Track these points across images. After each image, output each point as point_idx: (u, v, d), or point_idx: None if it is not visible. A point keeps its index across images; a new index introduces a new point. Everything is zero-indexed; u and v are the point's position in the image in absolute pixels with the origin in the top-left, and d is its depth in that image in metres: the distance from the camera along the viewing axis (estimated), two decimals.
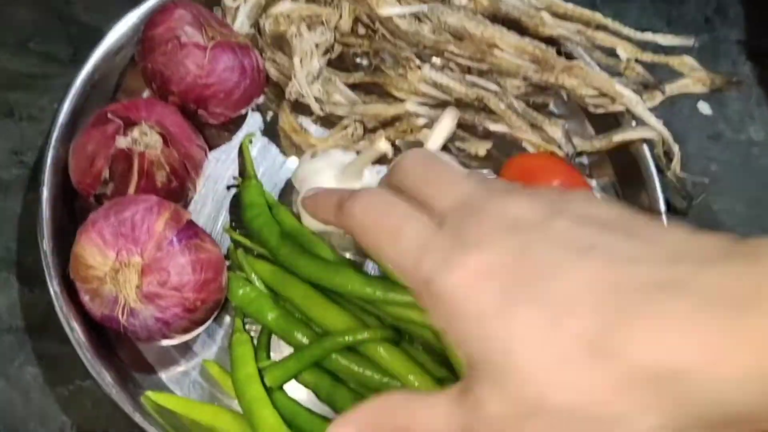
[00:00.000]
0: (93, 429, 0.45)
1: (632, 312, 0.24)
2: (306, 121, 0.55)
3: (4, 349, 0.46)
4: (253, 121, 0.56)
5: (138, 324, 0.42)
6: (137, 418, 0.41)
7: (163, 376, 0.47)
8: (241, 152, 0.53)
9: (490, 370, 0.26)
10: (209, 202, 0.52)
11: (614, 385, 0.23)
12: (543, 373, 0.24)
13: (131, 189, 0.46)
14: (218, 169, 0.53)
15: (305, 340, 0.44)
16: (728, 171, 0.61)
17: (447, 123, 0.49)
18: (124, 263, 0.41)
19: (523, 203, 0.28)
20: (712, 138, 0.62)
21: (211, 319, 0.45)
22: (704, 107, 0.64)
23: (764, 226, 0.58)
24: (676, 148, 0.53)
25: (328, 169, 0.49)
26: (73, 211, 0.50)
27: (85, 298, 0.43)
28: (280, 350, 0.47)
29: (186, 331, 0.44)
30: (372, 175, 0.50)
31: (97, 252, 0.41)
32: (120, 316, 0.41)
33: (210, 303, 0.44)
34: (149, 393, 0.44)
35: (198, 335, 0.46)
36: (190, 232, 0.43)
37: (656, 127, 0.53)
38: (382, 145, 0.46)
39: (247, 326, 0.47)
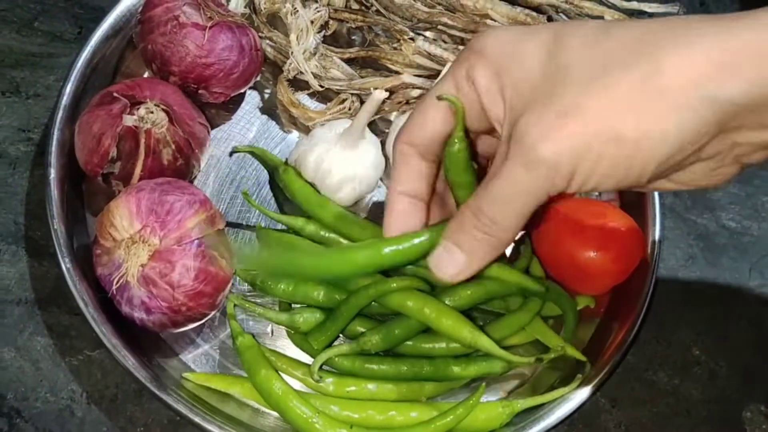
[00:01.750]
0: (102, 397, 0.46)
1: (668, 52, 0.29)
2: (302, 97, 0.56)
3: (14, 320, 0.48)
4: (251, 100, 0.57)
5: (125, 297, 0.43)
6: (151, 385, 0.43)
7: (174, 346, 0.48)
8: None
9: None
10: (211, 179, 0.54)
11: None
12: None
13: (138, 167, 0.47)
14: (219, 148, 0.55)
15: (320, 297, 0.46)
16: None
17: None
18: (143, 239, 0.42)
19: None
20: None
21: (191, 326, 0.45)
22: None
23: (756, 205, 0.60)
24: None
25: (329, 136, 0.50)
26: (81, 190, 0.51)
27: (96, 251, 0.44)
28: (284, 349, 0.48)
29: (162, 327, 0.44)
30: (372, 136, 0.51)
31: (126, 216, 0.42)
32: (115, 282, 0.42)
33: (195, 313, 0.44)
34: (188, 375, 0.45)
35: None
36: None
37: None
38: (378, 93, 0.47)
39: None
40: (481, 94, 0.34)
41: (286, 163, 0.51)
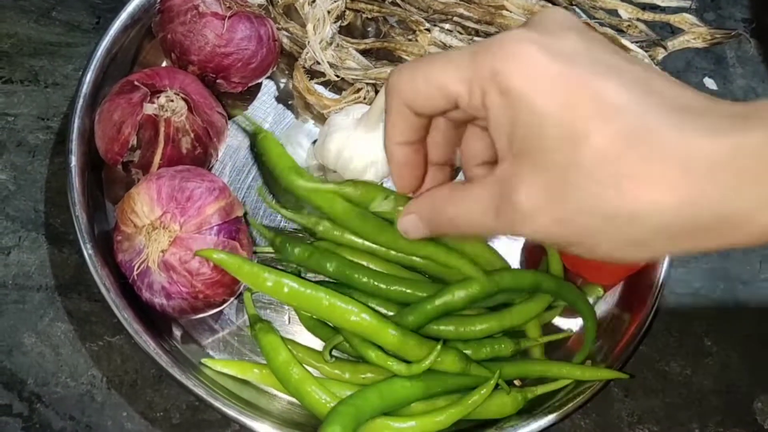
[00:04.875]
0: (122, 382, 0.47)
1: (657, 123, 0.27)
2: (317, 87, 0.56)
3: (35, 306, 0.48)
4: (267, 90, 0.57)
5: (146, 283, 0.43)
6: (172, 370, 0.43)
7: (192, 333, 0.49)
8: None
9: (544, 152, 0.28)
10: (228, 168, 0.54)
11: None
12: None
13: (157, 156, 0.47)
14: (236, 137, 0.55)
15: (366, 280, 0.46)
16: None
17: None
18: (164, 225, 0.42)
19: None
20: None
21: (210, 312, 0.46)
22: (710, 83, 0.65)
23: None
24: None
25: (347, 121, 0.51)
26: (100, 178, 0.51)
27: (117, 237, 0.44)
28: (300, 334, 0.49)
29: (182, 312, 0.44)
30: None
31: (147, 202, 0.43)
32: (136, 267, 0.43)
33: (213, 301, 0.44)
34: (206, 361, 0.46)
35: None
36: (233, 228, 0.44)
37: None
38: None
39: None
40: (490, 117, 0.31)
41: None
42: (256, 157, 0.54)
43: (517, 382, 0.49)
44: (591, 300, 0.51)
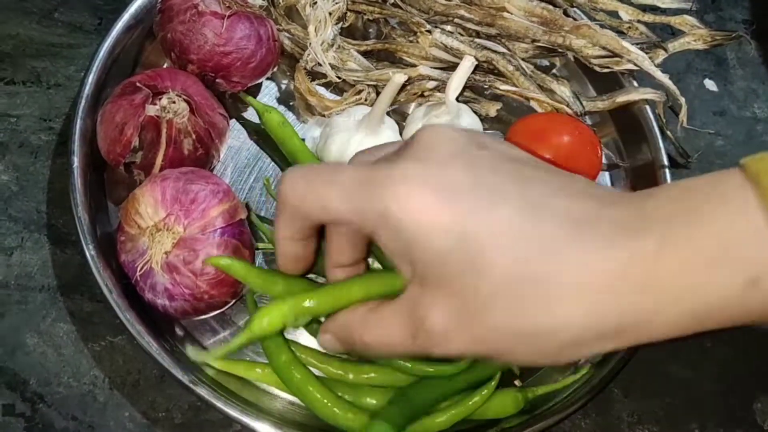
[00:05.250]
0: (124, 383, 0.47)
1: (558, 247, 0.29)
2: (318, 88, 0.56)
3: (37, 307, 0.49)
4: (268, 91, 0.58)
5: (149, 284, 0.43)
6: (174, 370, 0.43)
7: (194, 333, 0.49)
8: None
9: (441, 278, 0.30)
10: (229, 170, 0.54)
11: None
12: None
13: (159, 157, 0.47)
14: (237, 139, 0.55)
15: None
16: (733, 146, 0.63)
17: (465, 66, 0.51)
18: (168, 227, 0.42)
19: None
20: (718, 114, 0.64)
21: (212, 313, 0.46)
22: (710, 84, 0.65)
23: None
24: (682, 100, 0.55)
25: (349, 123, 0.51)
26: (102, 180, 0.51)
27: (120, 238, 0.44)
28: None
29: (184, 314, 0.45)
30: (390, 120, 0.52)
31: (152, 204, 0.43)
32: (139, 268, 0.43)
33: (216, 301, 0.45)
34: (212, 362, 0.45)
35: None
36: (236, 230, 0.44)
37: (664, 82, 0.55)
38: (398, 77, 0.48)
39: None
40: (385, 248, 0.32)
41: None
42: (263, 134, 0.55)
43: (517, 383, 0.49)
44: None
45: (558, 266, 0.28)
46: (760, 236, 0.26)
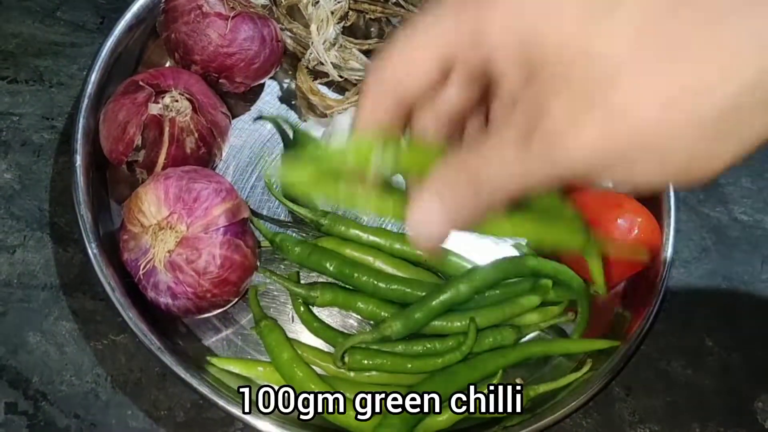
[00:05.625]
0: (126, 381, 0.47)
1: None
2: (320, 88, 0.56)
3: (40, 305, 0.49)
4: (270, 90, 0.58)
5: (151, 282, 0.44)
6: (177, 368, 0.44)
7: (196, 332, 0.49)
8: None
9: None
10: (231, 169, 0.54)
11: None
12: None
13: (162, 156, 0.47)
14: (239, 138, 0.55)
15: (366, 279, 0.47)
16: None
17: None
18: (171, 225, 0.43)
19: None
20: None
21: (215, 312, 0.46)
22: None
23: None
24: None
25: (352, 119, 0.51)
26: (105, 178, 0.51)
27: (123, 236, 0.44)
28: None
29: (186, 312, 0.45)
30: None
31: (155, 202, 0.43)
32: (141, 267, 0.43)
33: (219, 300, 0.45)
34: (211, 359, 0.46)
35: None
36: (238, 230, 0.45)
37: None
38: None
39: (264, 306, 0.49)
40: (493, 58, 0.26)
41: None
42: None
43: (519, 380, 0.49)
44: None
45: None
46: None
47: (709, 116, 0.22)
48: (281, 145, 0.55)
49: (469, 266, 0.49)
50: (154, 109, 0.47)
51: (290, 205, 0.50)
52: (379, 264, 0.48)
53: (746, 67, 0.22)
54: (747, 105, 0.22)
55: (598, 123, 0.23)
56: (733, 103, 0.22)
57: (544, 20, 0.24)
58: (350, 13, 0.57)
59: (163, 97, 0.47)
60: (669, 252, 0.52)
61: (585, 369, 0.48)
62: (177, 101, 0.47)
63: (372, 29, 0.60)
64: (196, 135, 0.48)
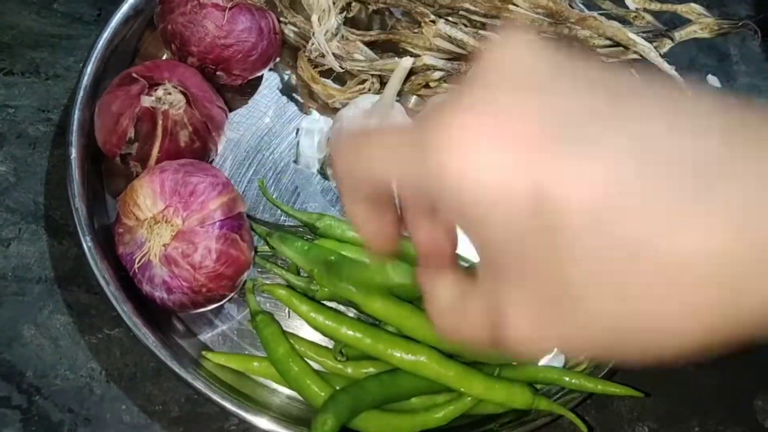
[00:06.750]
0: (121, 375, 0.47)
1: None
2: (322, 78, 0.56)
3: (34, 299, 0.48)
4: (269, 83, 0.57)
5: (146, 276, 0.43)
6: (171, 363, 0.43)
7: (192, 327, 0.48)
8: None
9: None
10: (228, 163, 0.54)
11: None
12: None
13: (155, 149, 0.47)
14: (236, 131, 0.55)
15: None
16: None
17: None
18: (166, 219, 0.42)
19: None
20: None
21: (210, 307, 0.46)
22: (713, 80, 0.65)
23: None
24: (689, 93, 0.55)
25: (357, 113, 0.51)
26: (100, 171, 0.51)
27: (119, 230, 0.44)
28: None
29: (182, 306, 0.44)
30: (398, 104, 0.52)
31: (150, 195, 0.43)
32: (137, 260, 0.43)
33: (214, 295, 0.44)
34: (206, 354, 0.46)
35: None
36: (235, 224, 0.44)
37: (669, 72, 0.54)
38: (406, 61, 0.47)
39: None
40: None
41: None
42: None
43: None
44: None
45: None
46: None
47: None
48: (278, 140, 0.55)
49: (467, 265, 0.49)
50: (147, 101, 0.46)
51: (285, 208, 0.49)
52: None
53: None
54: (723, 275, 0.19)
55: (555, 336, 0.21)
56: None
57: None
58: (352, 4, 0.57)
59: (156, 90, 0.47)
60: None
61: (582, 367, 0.47)
62: (170, 94, 0.47)
63: (374, 21, 0.60)
64: (191, 128, 0.48)
